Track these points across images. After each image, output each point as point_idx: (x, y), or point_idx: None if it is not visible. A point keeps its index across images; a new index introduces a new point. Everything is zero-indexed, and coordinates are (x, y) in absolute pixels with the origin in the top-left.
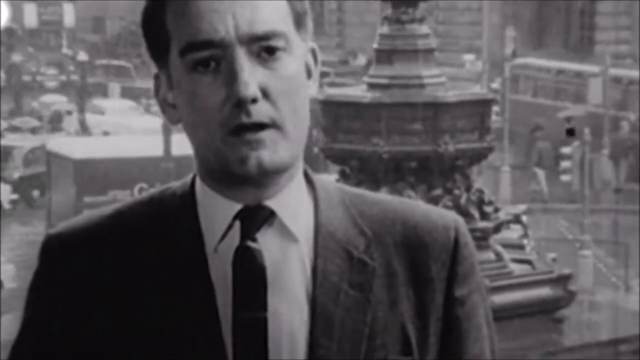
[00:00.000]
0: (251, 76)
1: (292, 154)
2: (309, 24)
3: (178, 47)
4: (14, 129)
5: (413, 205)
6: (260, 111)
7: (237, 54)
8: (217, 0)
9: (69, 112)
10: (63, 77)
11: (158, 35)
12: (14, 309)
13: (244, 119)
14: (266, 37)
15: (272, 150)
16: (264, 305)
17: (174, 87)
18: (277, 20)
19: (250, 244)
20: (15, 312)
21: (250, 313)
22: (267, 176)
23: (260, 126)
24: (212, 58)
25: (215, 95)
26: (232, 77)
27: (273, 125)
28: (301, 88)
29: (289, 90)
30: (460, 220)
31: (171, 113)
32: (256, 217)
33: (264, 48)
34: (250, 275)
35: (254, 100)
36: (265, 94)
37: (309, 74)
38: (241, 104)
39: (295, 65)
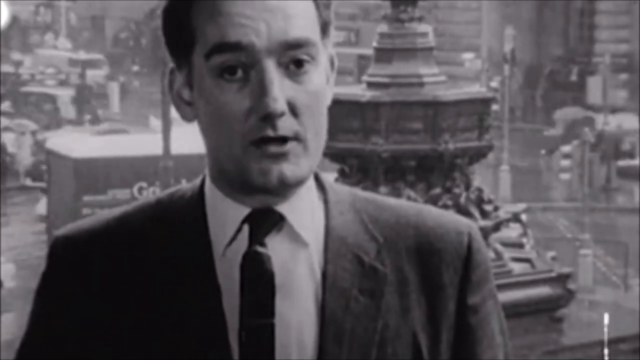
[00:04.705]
0: (280, 90)
1: (311, 167)
2: (332, 31)
3: (204, 49)
4: None
5: (425, 210)
6: (286, 125)
7: (267, 64)
8: (250, 4)
9: None
10: None
11: (180, 34)
12: (13, 308)
13: (270, 132)
14: (298, 45)
15: (294, 164)
16: (271, 311)
17: (193, 87)
18: (308, 29)
19: (259, 248)
20: (14, 312)
21: (258, 319)
22: (287, 189)
23: (284, 139)
24: (239, 65)
25: (241, 105)
26: (261, 89)
27: (296, 139)
28: (323, 101)
29: (313, 105)
30: (473, 225)
31: (186, 110)
32: (265, 222)
33: (293, 60)
34: (258, 280)
35: (281, 115)
36: (292, 108)
37: (327, 80)
38: (268, 118)
39: (320, 78)
